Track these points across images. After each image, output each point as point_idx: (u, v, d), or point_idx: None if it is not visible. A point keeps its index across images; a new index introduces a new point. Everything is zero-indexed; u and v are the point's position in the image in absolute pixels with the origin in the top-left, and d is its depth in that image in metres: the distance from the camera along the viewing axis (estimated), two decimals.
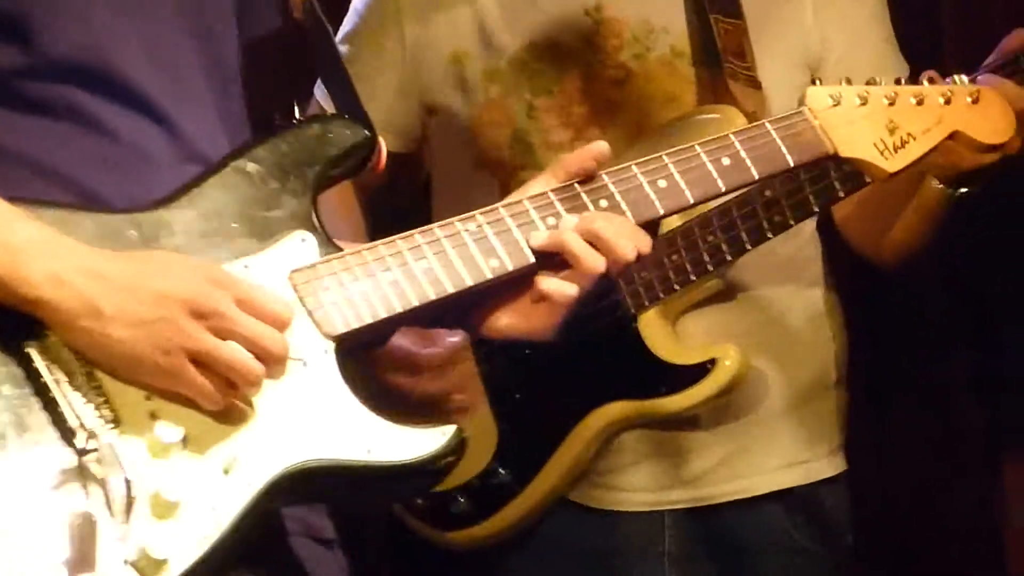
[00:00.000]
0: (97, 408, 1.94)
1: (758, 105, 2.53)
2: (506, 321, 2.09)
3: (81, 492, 1.91)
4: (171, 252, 1.98)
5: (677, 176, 2.07)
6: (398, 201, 2.80)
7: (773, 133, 2.08)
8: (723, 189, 2.04)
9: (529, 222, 2.05)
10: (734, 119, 2.50)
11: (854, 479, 2.73)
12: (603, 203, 2.07)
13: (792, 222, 2.50)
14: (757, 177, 2.07)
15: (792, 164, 2.06)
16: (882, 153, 2.04)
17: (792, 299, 2.64)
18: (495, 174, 2.61)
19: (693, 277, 2.52)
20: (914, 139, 2.05)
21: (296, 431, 2.00)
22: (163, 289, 1.92)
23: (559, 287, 2.01)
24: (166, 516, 1.95)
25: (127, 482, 1.93)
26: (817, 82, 2.06)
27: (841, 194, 2.48)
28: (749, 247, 2.51)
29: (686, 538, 2.61)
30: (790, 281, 2.63)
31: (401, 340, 2.57)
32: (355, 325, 2.01)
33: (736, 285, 2.59)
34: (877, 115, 2.05)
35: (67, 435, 1.92)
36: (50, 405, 1.93)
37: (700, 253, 2.52)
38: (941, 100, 2.07)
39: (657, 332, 2.56)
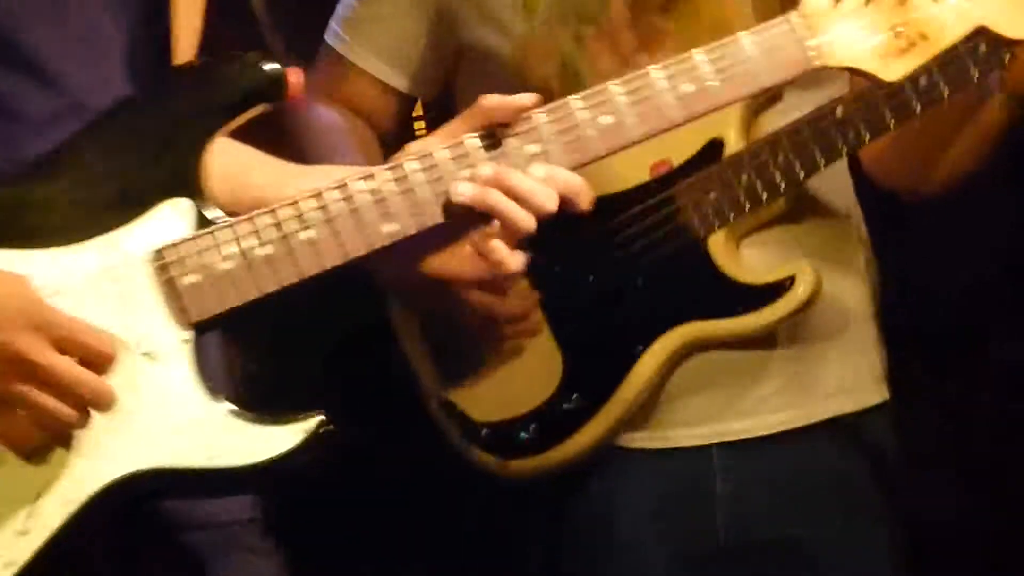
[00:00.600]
0: None
1: None
2: (445, 263, 2.01)
3: None
4: (2, 279, 1.85)
5: (626, 109, 1.90)
6: None
7: (748, 48, 1.91)
8: (681, 120, 1.91)
9: (439, 178, 1.90)
10: None
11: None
12: (532, 148, 1.91)
13: (867, 139, 2.45)
14: (726, 101, 1.91)
15: (768, 84, 1.92)
16: (883, 59, 1.88)
17: (841, 222, 2.60)
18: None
19: (764, 198, 2.47)
20: (925, 39, 1.89)
21: (129, 436, 1.89)
22: None
23: (511, 259, 1.91)
24: None
25: None
26: None
27: (917, 110, 2.41)
28: (823, 166, 2.46)
29: (737, 475, 2.55)
30: (838, 204, 2.59)
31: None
32: (217, 311, 1.89)
33: (798, 205, 2.53)
34: (883, 14, 1.88)
35: None
36: None
37: (772, 174, 2.46)
38: None
39: (728, 253, 2.50)
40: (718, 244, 2.50)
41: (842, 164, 2.57)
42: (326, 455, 1.90)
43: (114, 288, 1.90)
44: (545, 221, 2.46)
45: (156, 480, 1.88)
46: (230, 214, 1.92)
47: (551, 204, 1.89)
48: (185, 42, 2.05)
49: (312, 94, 2.70)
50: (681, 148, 2.50)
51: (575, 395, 2.53)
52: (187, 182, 1.91)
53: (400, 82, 2.64)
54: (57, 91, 1.95)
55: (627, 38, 2.52)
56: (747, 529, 2.55)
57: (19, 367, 1.82)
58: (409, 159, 1.90)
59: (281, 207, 1.89)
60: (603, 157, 1.90)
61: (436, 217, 1.89)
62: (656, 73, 1.89)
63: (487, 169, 1.88)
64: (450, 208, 1.89)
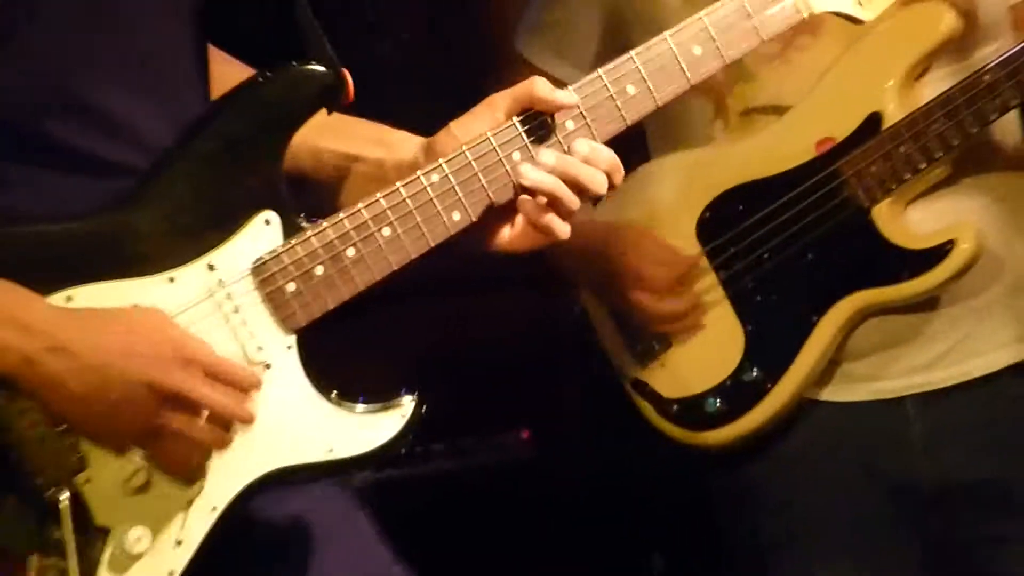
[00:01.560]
0: (64, 455, 1.94)
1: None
2: (510, 236, 2.09)
3: (46, 542, 1.93)
4: (144, 319, 1.94)
5: (646, 77, 2.07)
6: None
7: (748, 6, 2.08)
8: (692, 82, 2.07)
9: (495, 162, 2.04)
10: (942, 14, 2.56)
11: None
12: (570, 124, 2.06)
13: (1014, 103, 2.54)
14: (727, 61, 2.07)
15: (763, 38, 2.09)
16: (860, 3, 2.10)
17: (1012, 172, 2.67)
18: (707, 95, 2.70)
19: (922, 166, 2.58)
20: None
21: (259, 442, 2.01)
22: (130, 371, 1.92)
23: (563, 229, 2.05)
24: (131, 565, 1.98)
25: (91, 530, 1.95)
26: None
27: None
28: (974, 131, 2.56)
29: (931, 424, 2.67)
30: (1007, 155, 2.66)
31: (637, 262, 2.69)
32: (318, 315, 2.02)
33: (960, 169, 2.63)
34: None
35: (33, 486, 1.94)
36: (19, 456, 1.94)
37: (927, 142, 2.57)
38: None
39: (891, 221, 2.62)
40: (882, 213, 2.62)
41: (1011, 117, 2.65)
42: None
43: (221, 307, 2.00)
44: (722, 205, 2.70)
45: (282, 478, 2.03)
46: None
47: (602, 188, 2.05)
48: None
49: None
50: (843, 124, 2.63)
51: (756, 367, 2.68)
52: (271, 195, 2.01)
53: (575, 77, 2.83)
54: (124, 138, 2.03)
55: None
56: (944, 474, 2.67)
57: (175, 401, 1.93)
58: (466, 149, 2.04)
59: (363, 207, 2.02)
60: (631, 125, 2.07)
61: (493, 200, 2.05)
62: (668, 38, 2.07)
63: (549, 157, 2.04)
64: (508, 192, 2.05)
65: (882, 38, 2.59)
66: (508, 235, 2.09)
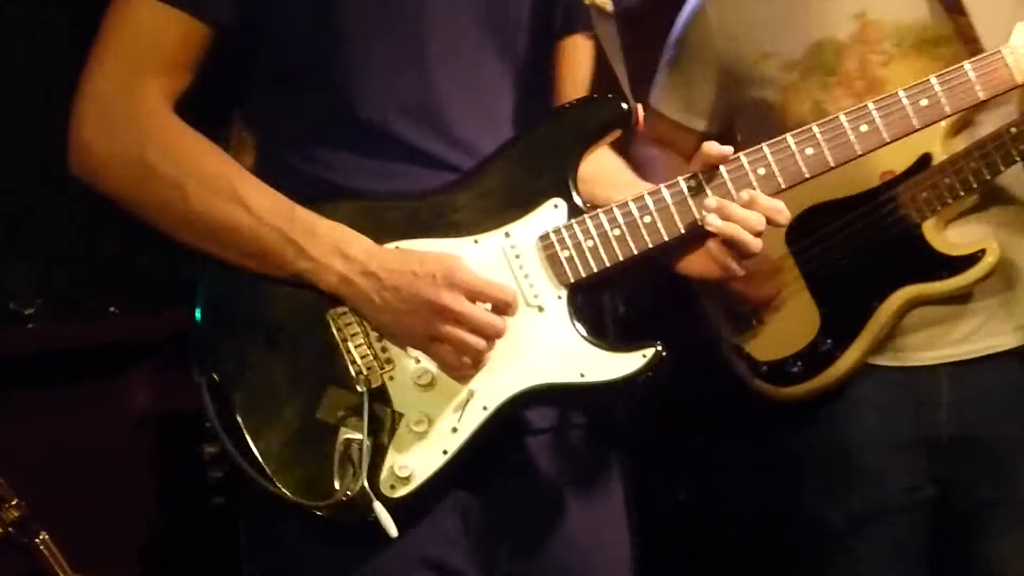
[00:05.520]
0: (376, 355, 2.38)
1: None
2: (697, 266, 2.50)
3: (355, 422, 2.34)
4: (433, 256, 2.36)
5: (878, 120, 2.49)
6: None
7: (970, 73, 2.49)
8: (917, 126, 2.50)
9: (722, 183, 2.45)
10: None
11: None
12: (761, 170, 2.45)
13: None
14: (949, 112, 2.46)
15: (982, 98, 2.50)
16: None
17: (1021, 200, 3.39)
18: None
19: (960, 194, 3.32)
20: None
21: (526, 363, 2.39)
22: (415, 291, 2.35)
23: (735, 267, 2.47)
24: (414, 442, 2.36)
25: (389, 413, 2.37)
26: None
27: None
28: (1002, 169, 3.29)
29: (960, 387, 3.39)
30: (1017, 189, 3.39)
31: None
32: (583, 275, 2.43)
33: (986, 198, 3.37)
34: None
35: (350, 377, 2.37)
36: (340, 356, 2.38)
37: (965, 176, 3.30)
38: None
39: (936, 234, 3.35)
40: (929, 227, 3.36)
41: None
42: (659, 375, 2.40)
43: (512, 262, 2.42)
44: (806, 217, 3.43)
45: (542, 394, 2.39)
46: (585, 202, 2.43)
47: (760, 227, 2.43)
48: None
49: (641, 137, 3.69)
50: (902, 161, 3.37)
51: (828, 339, 3.42)
52: (563, 188, 2.44)
53: (698, 124, 3.62)
54: (459, 145, 2.47)
55: (859, 84, 3.41)
56: (967, 427, 3.40)
57: (444, 314, 2.34)
58: (700, 174, 2.45)
59: (631, 200, 2.41)
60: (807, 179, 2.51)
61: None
62: (901, 93, 2.50)
63: (712, 202, 2.45)
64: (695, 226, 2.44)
65: None
66: (693, 262, 2.51)
